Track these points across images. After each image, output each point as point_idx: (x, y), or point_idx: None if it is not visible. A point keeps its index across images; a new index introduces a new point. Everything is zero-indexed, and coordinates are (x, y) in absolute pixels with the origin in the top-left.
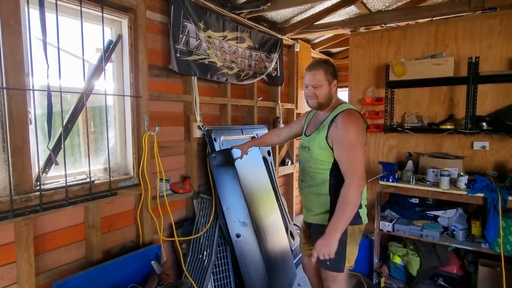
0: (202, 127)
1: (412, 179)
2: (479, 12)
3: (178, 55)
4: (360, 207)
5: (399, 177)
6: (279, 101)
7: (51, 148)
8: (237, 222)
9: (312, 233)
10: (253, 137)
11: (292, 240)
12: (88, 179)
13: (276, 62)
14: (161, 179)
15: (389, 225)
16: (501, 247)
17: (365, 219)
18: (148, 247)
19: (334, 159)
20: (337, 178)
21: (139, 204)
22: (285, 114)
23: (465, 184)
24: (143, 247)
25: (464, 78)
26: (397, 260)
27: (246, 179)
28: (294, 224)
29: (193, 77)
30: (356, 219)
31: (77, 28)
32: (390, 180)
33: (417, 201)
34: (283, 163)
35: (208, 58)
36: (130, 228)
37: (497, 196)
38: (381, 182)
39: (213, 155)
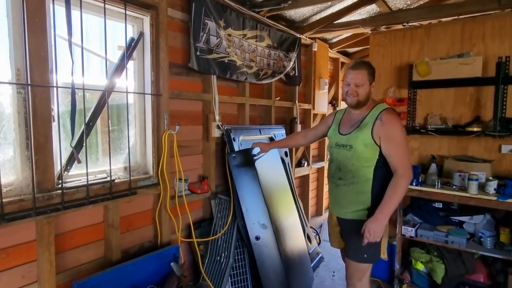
0: (221, 126)
1: (438, 182)
2: (509, 10)
3: (198, 53)
4: None
5: (423, 181)
6: (297, 101)
7: (73, 146)
8: (256, 224)
9: (346, 228)
10: (271, 138)
11: (309, 243)
12: (108, 178)
13: (294, 62)
14: (179, 179)
15: (412, 230)
16: None
17: None
18: (166, 248)
19: (379, 156)
20: (379, 177)
21: (157, 204)
22: (302, 114)
23: (495, 189)
24: (161, 248)
25: (492, 78)
26: (420, 266)
27: (266, 180)
28: (311, 227)
29: (212, 75)
30: None
31: (99, 26)
32: (414, 184)
33: (440, 205)
34: (299, 164)
35: (228, 56)
36: (148, 228)
37: None
38: None
39: (233, 155)
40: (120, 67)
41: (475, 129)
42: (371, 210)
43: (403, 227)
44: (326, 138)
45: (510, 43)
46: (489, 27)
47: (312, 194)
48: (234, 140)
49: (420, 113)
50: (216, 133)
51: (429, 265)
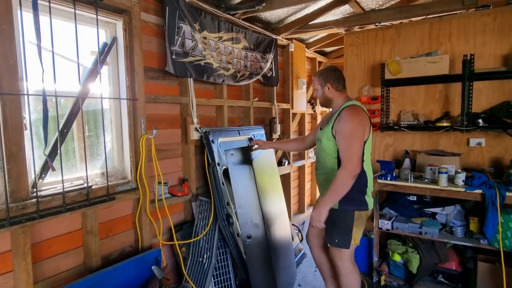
0: (200, 129)
1: (410, 177)
2: (473, 9)
3: (174, 56)
4: (365, 193)
5: (397, 175)
6: (275, 102)
7: (47, 153)
8: (249, 224)
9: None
10: (250, 138)
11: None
12: (85, 184)
13: (271, 63)
14: (159, 183)
15: (388, 223)
16: (500, 242)
17: (370, 206)
18: (147, 252)
19: (338, 150)
20: None
21: (137, 209)
22: (281, 114)
23: (463, 181)
24: (142, 252)
25: (459, 75)
26: (397, 258)
27: (260, 178)
28: (293, 224)
29: (189, 78)
30: (362, 205)
31: (71, 31)
32: (389, 178)
33: (415, 198)
34: (279, 163)
35: (204, 59)
36: (129, 232)
37: (495, 192)
38: (379, 181)
39: (231, 153)
40: (94, 72)
41: (444, 124)
42: (341, 199)
43: (379, 220)
44: None
45: (475, 41)
46: (454, 26)
47: (294, 192)
48: (213, 142)
49: (394, 110)
50: (194, 135)
51: (405, 256)
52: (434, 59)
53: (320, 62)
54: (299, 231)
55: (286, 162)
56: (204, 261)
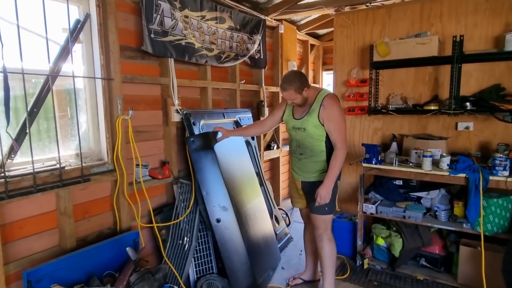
0: (180, 110)
1: (395, 160)
2: None
3: (152, 35)
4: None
5: (382, 159)
6: (263, 84)
7: (15, 133)
8: (217, 207)
9: (310, 189)
10: (236, 121)
11: (276, 224)
12: (58, 165)
13: (259, 44)
14: (138, 165)
15: (372, 207)
16: (481, 226)
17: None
18: (124, 234)
19: (326, 134)
20: (329, 147)
21: (115, 190)
22: (269, 97)
23: (448, 165)
24: (120, 234)
25: (448, 57)
26: (380, 241)
27: (227, 163)
28: (280, 209)
29: (169, 59)
30: (339, 176)
31: (41, 6)
32: (373, 162)
33: (401, 183)
34: (268, 147)
35: (185, 39)
36: (107, 214)
37: (478, 176)
38: (364, 164)
39: (192, 139)
40: (66, 50)
41: (432, 108)
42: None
43: (364, 204)
44: (282, 122)
45: (466, 22)
46: (446, 6)
47: (283, 177)
48: (194, 125)
49: (383, 93)
50: (175, 117)
51: (388, 239)
52: (423, 40)
53: (312, 45)
54: (287, 215)
55: (275, 146)
56: (185, 243)
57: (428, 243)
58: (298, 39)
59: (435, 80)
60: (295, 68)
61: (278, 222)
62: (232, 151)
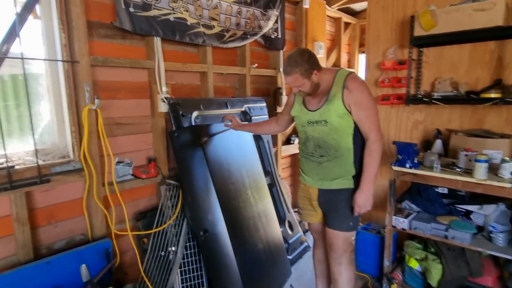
0: (166, 99)
1: (437, 164)
2: None
3: (131, 9)
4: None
5: (420, 162)
6: (281, 69)
7: None
8: (204, 215)
9: (330, 198)
10: (244, 112)
11: (290, 232)
12: (5, 164)
13: (276, 21)
14: (119, 162)
15: (404, 221)
16: None
17: None
18: (94, 243)
19: (354, 124)
20: (358, 143)
21: (90, 192)
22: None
23: (511, 174)
24: (92, 242)
25: None
26: (414, 264)
27: (221, 163)
28: (296, 211)
29: (155, 37)
30: None
31: None
32: (407, 165)
33: (445, 190)
34: (288, 141)
35: (174, 13)
36: (79, 219)
37: None
38: (394, 168)
39: (176, 134)
40: (18, 27)
41: (492, 96)
42: (355, 177)
43: (394, 217)
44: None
45: None
46: None
47: None
48: (183, 116)
49: (427, 78)
50: (162, 107)
51: (424, 263)
52: (483, 5)
53: (347, 24)
54: None
55: (296, 140)
56: (169, 254)
57: (478, 273)
58: (328, 16)
59: (499, 59)
60: (322, 50)
61: (292, 229)
62: (232, 147)
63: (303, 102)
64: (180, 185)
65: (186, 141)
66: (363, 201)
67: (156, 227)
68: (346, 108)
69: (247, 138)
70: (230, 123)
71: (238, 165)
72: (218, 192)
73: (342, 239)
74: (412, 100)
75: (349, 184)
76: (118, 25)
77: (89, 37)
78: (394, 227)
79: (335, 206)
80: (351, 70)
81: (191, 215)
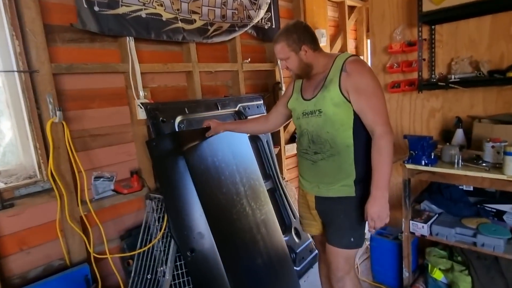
0: (143, 105)
1: (458, 159)
2: None
3: (96, 8)
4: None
5: (438, 156)
6: (279, 61)
7: None
8: (191, 233)
9: (328, 208)
10: (238, 112)
11: (297, 240)
12: None
13: (269, 10)
14: (97, 178)
15: (424, 226)
16: None
17: None
18: (71, 270)
19: (355, 115)
20: (361, 140)
21: (63, 213)
22: (291, 77)
23: None
24: (71, 269)
25: None
26: (438, 275)
27: (210, 171)
28: None
29: (127, 38)
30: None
31: None
32: (423, 162)
33: (471, 188)
34: (293, 139)
35: (145, 8)
36: (55, 243)
37: None
38: (408, 166)
39: (153, 143)
40: None
41: None
42: (358, 183)
43: (411, 222)
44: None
45: None
46: None
47: None
48: (164, 122)
49: (442, 58)
50: (141, 114)
51: (450, 275)
52: None
53: (351, 8)
54: None
55: None
56: (156, 277)
57: None
58: (330, 0)
59: None
60: (324, 38)
61: (299, 236)
62: (224, 152)
63: (300, 91)
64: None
65: (166, 149)
66: (377, 212)
67: (141, 247)
68: (343, 95)
69: (242, 140)
70: (210, 131)
71: (231, 172)
72: (205, 206)
73: (343, 258)
74: (426, 85)
75: (350, 191)
76: (80, 26)
77: (51, 43)
78: (413, 233)
79: (333, 218)
80: (353, 54)
81: (177, 234)
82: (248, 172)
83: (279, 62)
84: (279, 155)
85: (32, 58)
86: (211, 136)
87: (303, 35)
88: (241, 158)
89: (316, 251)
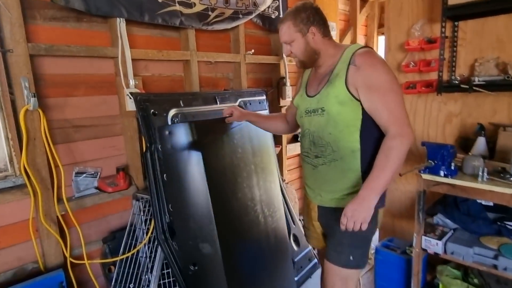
0: (133, 95)
1: (483, 172)
2: None
3: None
4: None
5: (458, 167)
6: (284, 55)
7: None
8: (194, 243)
9: (328, 220)
10: (240, 107)
11: (295, 247)
12: None
13: None
14: (79, 173)
15: (438, 244)
16: None
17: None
18: (45, 276)
19: (363, 115)
20: (370, 145)
21: (37, 212)
22: (297, 73)
23: None
24: (45, 274)
25: None
26: None
27: (226, 173)
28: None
29: (118, 19)
30: (384, 198)
31: None
32: (442, 173)
33: (490, 203)
34: (295, 139)
35: None
36: (28, 245)
37: None
38: (424, 176)
39: (167, 131)
40: None
41: None
42: None
43: (424, 237)
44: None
45: None
46: None
47: None
48: (156, 115)
49: (464, 59)
50: (130, 105)
51: None
52: None
53: (364, 1)
54: None
55: None
56: (141, 286)
57: None
58: None
59: None
60: (334, 31)
61: (298, 244)
62: (245, 148)
63: (306, 86)
64: (157, 202)
65: (181, 141)
66: (353, 212)
67: (124, 252)
68: (350, 91)
69: (265, 134)
70: (231, 117)
71: (249, 173)
72: (216, 213)
73: (340, 278)
74: (447, 87)
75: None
76: (63, 3)
77: (30, 20)
78: (425, 250)
79: (333, 231)
80: (367, 46)
81: (180, 243)
82: (266, 173)
83: (284, 56)
84: (280, 155)
85: (6, 35)
86: (232, 129)
87: (313, 15)
88: (261, 155)
89: (315, 260)
